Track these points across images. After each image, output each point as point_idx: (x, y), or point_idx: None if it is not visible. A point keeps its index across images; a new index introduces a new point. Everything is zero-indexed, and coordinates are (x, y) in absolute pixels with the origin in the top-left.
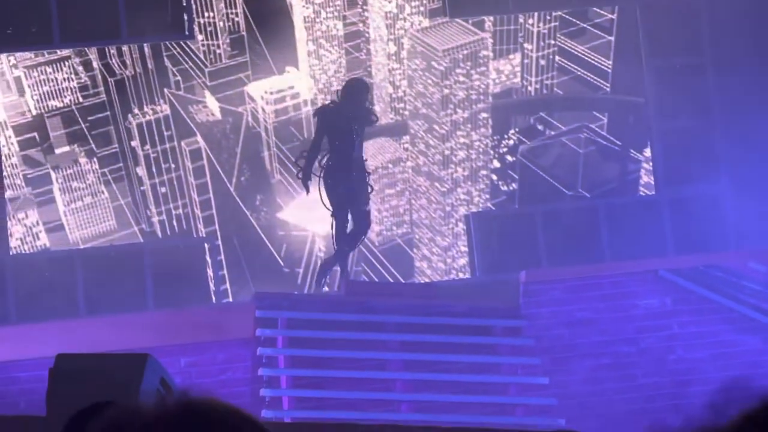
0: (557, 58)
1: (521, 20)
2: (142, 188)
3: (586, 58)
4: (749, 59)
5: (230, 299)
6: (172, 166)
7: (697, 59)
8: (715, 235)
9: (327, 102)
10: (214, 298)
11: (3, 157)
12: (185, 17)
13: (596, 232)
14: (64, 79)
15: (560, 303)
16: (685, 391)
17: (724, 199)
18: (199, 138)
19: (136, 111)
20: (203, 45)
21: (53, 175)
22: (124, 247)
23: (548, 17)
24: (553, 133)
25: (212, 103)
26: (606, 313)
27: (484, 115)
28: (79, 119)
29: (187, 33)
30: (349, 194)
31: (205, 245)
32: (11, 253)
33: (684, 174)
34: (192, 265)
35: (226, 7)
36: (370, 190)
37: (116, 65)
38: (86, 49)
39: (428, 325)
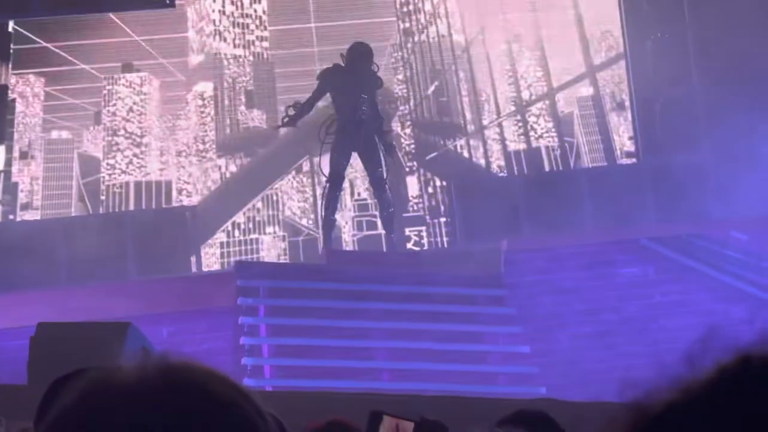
0: None
1: None
2: None
3: None
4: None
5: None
6: None
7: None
8: (697, 203)
9: (330, 66)
10: (194, 268)
11: None
12: None
13: (579, 200)
14: None
15: (542, 272)
16: (667, 359)
17: (707, 167)
18: None
19: None
20: None
21: None
22: (105, 216)
23: None
24: None
25: None
26: (588, 281)
27: None
28: None
29: (168, 2)
30: (362, 159)
31: (186, 214)
32: None
33: (666, 143)
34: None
35: None
36: (383, 154)
37: None
38: None
39: (410, 293)
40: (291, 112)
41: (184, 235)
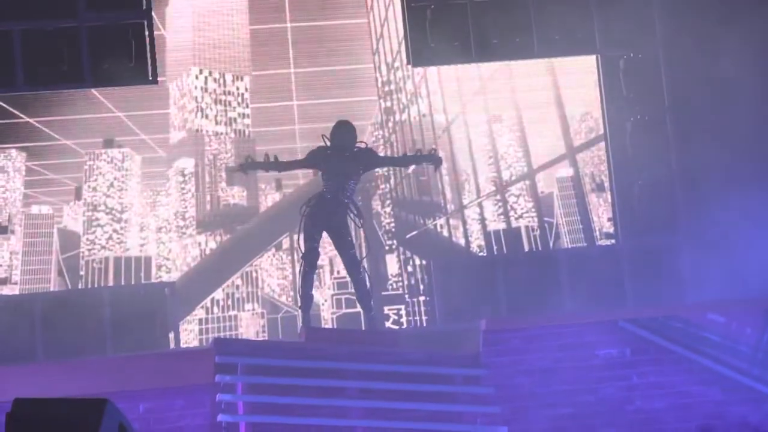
0: None
1: None
2: None
3: None
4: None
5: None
6: None
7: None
8: (673, 285)
9: (319, 147)
10: (172, 344)
11: None
12: (149, 64)
13: (557, 281)
14: None
15: (520, 352)
16: None
17: (684, 249)
18: None
19: None
20: None
21: None
22: (83, 291)
23: None
24: None
25: None
26: (566, 362)
27: None
28: None
29: (150, 78)
30: (333, 238)
31: (165, 290)
32: None
33: (645, 224)
34: (152, 310)
35: None
36: (354, 233)
37: None
38: None
39: (388, 372)
40: (257, 160)
41: (162, 311)
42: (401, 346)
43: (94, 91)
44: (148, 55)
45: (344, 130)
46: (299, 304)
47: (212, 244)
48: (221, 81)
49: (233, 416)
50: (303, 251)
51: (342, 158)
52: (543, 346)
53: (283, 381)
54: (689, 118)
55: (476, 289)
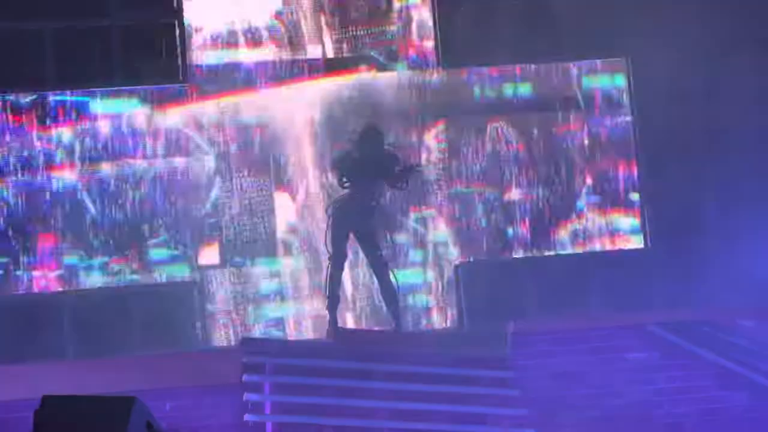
0: None
1: None
2: None
3: None
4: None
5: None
6: None
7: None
8: (703, 290)
9: (343, 153)
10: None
11: None
12: (179, 63)
13: (585, 285)
14: None
15: (548, 355)
16: None
17: (714, 254)
18: None
19: None
20: None
21: None
22: (109, 290)
23: None
24: None
25: None
26: (593, 366)
27: None
28: None
29: (180, 78)
30: (359, 240)
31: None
32: None
33: (673, 228)
34: (180, 308)
35: None
36: (384, 236)
37: None
38: None
39: (415, 373)
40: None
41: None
42: (429, 348)
43: None
44: (179, 54)
45: (371, 134)
46: (326, 305)
47: None
48: None
49: (260, 416)
50: (330, 252)
51: (368, 161)
52: (571, 349)
53: (310, 381)
54: (718, 122)
55: (504, 291)
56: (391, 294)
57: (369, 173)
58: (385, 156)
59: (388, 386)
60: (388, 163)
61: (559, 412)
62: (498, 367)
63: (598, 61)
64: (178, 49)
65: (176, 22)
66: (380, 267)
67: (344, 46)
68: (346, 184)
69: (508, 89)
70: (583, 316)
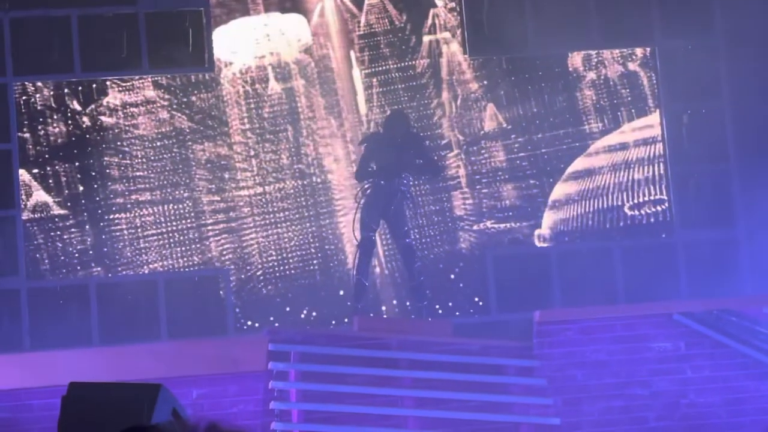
0: None
1: None
2: None
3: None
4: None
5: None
6: None
7: (715, 103)
8: (730, 279)
9: (371, 132)
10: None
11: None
12: (206, 51)
13: (611, 274)
14: None
15: (573, 344)
16: None
17: (740, 243)
18: None
19: None
20: None
21: None
22: (139, 277)
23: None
24: None
25: None
26: (619, 355)
27: None
28: None
29: (206, 66)
30: (389, 226)
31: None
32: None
33: (700, 218)
34: (207, 296)
35: None
36: (409, 223)
37: None
38: None
39: (441, 362)
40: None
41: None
42: (454, 336)
43: None
44: (205, 42)
45: (396, 117)
46: (353, 292)
47: None
48: None
49: (286, 403)
50: (359, 240)
51: (394, 145)
52: (596, 338)
53: (335, 369)
54: (748, 110)
55: (530, 280)
56: (417, 283)
57: (394, 156)
58: (411, 137)
59: (414, 374)
60: (413, 145)
61: (583, 402)
62: (523, 355)
63: None
64: (205, 37)
65: (203, 11)
66: (408, 255)
67: None
68: (371, 170)
69: None
70: (609, 305)
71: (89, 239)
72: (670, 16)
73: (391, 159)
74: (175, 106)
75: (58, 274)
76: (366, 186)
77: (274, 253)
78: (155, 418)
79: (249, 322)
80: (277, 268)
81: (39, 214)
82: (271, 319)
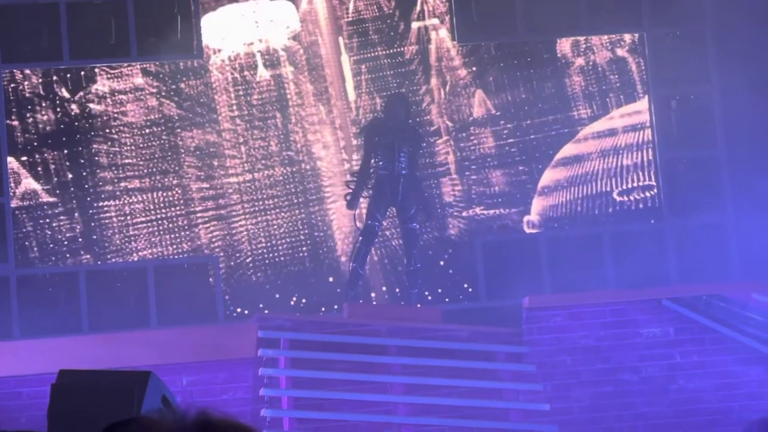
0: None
1: None
2: None
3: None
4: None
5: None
6: None
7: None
8: (718, 265)
9: (371, 119)
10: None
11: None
12: (194, 38)
13: (600, 260)
14: None
15: (562, 330)
16: (686, 421)
17: (729, 229)
18: None
19: None
20: None
21: None
22: (128, 264)
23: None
24: None
25: None
26: (608, 340)
27: None
28: None
29: (195, 53)
30: (398, 212)
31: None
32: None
33: (689, 203)
34: (196, 283)
35: None
36: (415, 209)
37: None
38: None
39: (430, 349)
40: (352, 186)
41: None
42: (443, 322)
43: None
44: (194, 28)
45: (395, 99)
46: (347, 279)
47: None
48: None
49: (275, 390)
50: (361, 228)
51: (394, 130)
52: (586, 324)
53: (325, 356)
54: (736, 96)
55: (519, 266)
56: (414, 269)
57: (394, 138)
58: (408, 127)
59: (403, 361)
60: (410, 135)
61: (573, 387)
62: (512, 342)
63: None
64: (193, 24)
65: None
66: (409, 240)
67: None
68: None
69: None
70: (598, 291)
71: (78, 227)
72: (658, 2)
73: (392, 144)
74: (163, 93)
75: (47, 261)
76: (379, 175)
77: (263, 240)
78: (145, 405)
79: (238, 309)
80: (266, 255)
81: (28, 202)
82: (261, 306)
